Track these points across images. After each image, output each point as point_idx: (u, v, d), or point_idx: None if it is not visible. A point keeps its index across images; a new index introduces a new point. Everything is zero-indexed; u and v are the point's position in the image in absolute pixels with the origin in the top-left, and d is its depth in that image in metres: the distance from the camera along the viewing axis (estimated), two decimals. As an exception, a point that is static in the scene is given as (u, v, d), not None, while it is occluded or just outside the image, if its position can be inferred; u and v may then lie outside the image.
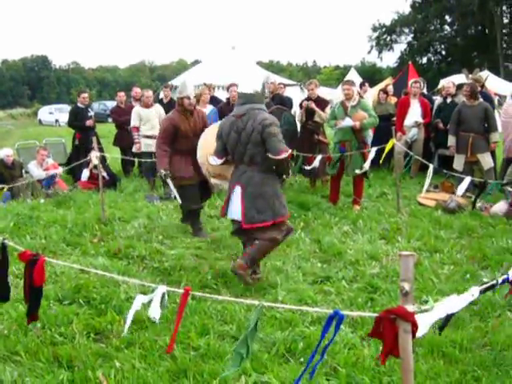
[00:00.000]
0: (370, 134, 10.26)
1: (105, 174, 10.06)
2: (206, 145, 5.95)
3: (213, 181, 6.20)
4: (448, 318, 2.97)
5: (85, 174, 10.33)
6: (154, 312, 2.86)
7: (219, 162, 5.38)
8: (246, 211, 5.10)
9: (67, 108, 39.18)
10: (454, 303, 2.62)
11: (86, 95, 11.58)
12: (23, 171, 10.15)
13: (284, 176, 5.49)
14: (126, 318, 3.06)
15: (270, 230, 5.15)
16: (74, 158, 10.81)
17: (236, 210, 5.20)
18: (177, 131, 6.83)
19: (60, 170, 10.32)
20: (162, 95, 12.03)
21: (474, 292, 2.72)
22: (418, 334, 2.28)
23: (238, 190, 5.17)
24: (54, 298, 4.86)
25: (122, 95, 12.15)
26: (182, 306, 2.69)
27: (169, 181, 6.85)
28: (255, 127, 4.99)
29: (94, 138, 8.28)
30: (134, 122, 10.22)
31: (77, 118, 11.19)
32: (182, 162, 6.87)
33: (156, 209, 8.50)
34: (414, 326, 2.20)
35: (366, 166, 8.21)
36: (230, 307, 4.60)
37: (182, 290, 2.73)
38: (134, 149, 10.42)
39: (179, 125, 6.84)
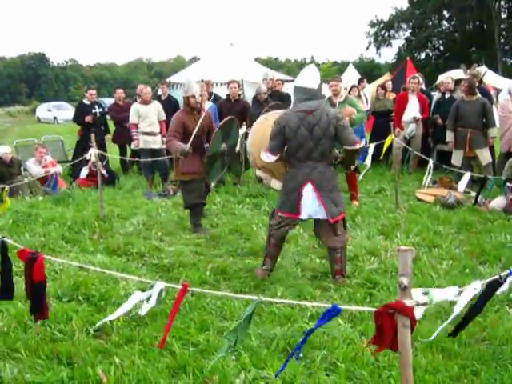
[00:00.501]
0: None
1: (104, 171, 10.07)
2: (258, 138, 5.79)
3: (258, 172, 6.00)
4: (462, 325, 2.98)
5: (83, 172, 10.32)
6: (145, 307, 2.87)
7: (274, 158, 5.21)
8: (328, 207, 5.13)
9: (66, 105, 39.28)
10: (454, 295, 2.63)
11: (93, 92, 11.59)
12: (22, 169, 10.15)
13: (351, 167, 5.53)
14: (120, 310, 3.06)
15: (339, 227, 5.28)
16: (77, 154, 10.82)
17: (313, 208, 5.16)
18: (185, 130, 6.87)
19: (60, 169, 10.30)
20: (160, 92, 12.00)
21: (475, 285, 2.73)
22: (416, 316, 2.28)
23: (309, 187, 5.11)
24: (54, 295, 4.86)
25: (120, 92, 12.13)
26: (178, 301, 2.69)
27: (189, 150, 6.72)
28: (330, 121, 5.04)
29: (93, 135, 8.25)
30: (132, 119, 10.21)
31: (81, 114, 11.20)
32: (189, 159, 6.83)
33: (155, 206, 8.50)
34: (413, 321, 2.21)
35: (368, 162, 8.21)
36: (229, 303, 4.61)
37: (180, 286, 2.74)
38: (133, 145, 10.42)
39: (187, 124, 6.90)
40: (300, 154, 5.09)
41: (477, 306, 2.88)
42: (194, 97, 6.97)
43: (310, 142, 5.04)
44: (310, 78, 5.17)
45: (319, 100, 5.20)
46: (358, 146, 5.24)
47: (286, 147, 5.19)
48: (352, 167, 5.58)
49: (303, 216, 5.21)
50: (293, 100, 5.31)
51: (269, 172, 5.72)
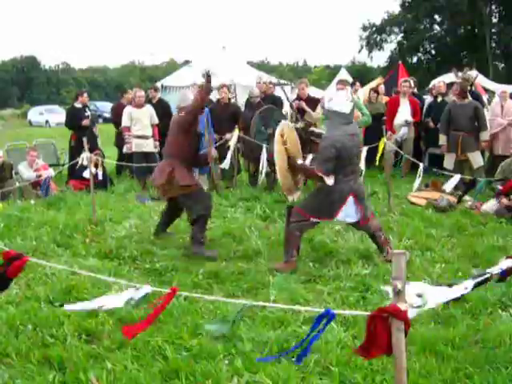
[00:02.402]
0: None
1: (100, 173, 10.05)
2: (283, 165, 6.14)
3: (289, 197, 6.47)
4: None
5: (88, 172, 10.28)
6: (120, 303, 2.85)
7: (333, 180, 5.62)
8: (365, 212, 5.83)
9: (57, 109, 39.14)
10: (445, 293, 2.63)
11: (86, 96, 11.56)
12: (13, 172, 10.09)
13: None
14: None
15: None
16: (71, 158, 10.77)
17: (351, 215, 5.77)
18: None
19: (52, 172, 10.25)
20: (150, 96, 11.96)
21: (467, 285, 2.73)
22: (409, 315, 2.28)
23: (351, 199, 5.69)
24: (45, 299, 4.83)
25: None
26: (164, 303, 2.67)
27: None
28: (359, 141, 6.10)
29: (85, 139, 8.22)
30: (124, 122, 10.18)
31: (74, 118, 11.14)
32: (186, 170, 6.47)
33: (147, 209, 8.47)
34: (407, 325, 2.21)
35: (361, 166, 8.22)
36: (222, 307, 4.59)
37: (168, 290, 2.72)
38: (125, 149, 10.38)
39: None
40: (349, 170, 5.66)
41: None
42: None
43: (355, 159, 5.76)
44: (345, 104, 5.62)
45: (356, 123, 6.14)
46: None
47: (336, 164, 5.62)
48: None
49: (342, 219, 5.88)
50: (330, 123, 5.71)
51: (293, 192, 6.36)
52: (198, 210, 6.35)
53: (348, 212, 5.74)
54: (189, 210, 6.47)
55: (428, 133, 10.86)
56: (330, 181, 5.60)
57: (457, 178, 7.77)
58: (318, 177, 5.68)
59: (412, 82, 11.64)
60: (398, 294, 2.20)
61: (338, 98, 5.69)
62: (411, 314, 2.38)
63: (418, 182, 8.09)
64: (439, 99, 10.84)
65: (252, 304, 2.65)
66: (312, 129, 9.59)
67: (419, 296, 2.38)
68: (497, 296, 4.71)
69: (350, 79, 16.11)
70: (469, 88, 10.10)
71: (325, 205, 5.72)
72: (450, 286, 2.80)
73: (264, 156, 8.94)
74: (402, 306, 2.19)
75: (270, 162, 9.22)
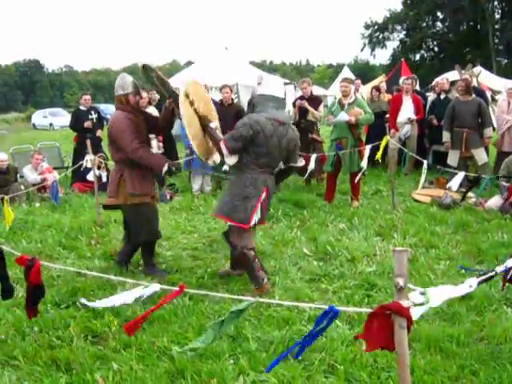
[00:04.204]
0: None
1: (104, 174, 10.07)
2: (196, 130, 5.35)
3: (208, 162, 5.64)
4: None
5: (91, 175, 10.31)
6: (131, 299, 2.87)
7: (234, 160, 5.05)
8: (266, 213, 5.25)
9: (61, 112, 39.23)
10: (450, 292, 2.62)
11: (88, 97, 11.56)
12: (18, 176, 10.13)
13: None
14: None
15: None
16: (75, 161, 10.80)
17: (259, 215, 5.08)
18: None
19: (56, 175, 10.28)
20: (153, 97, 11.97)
21: (471, 283, 2.73)
22: (414, 316, 2.29)
23: (264, 195, 5.07)
24: (51, 301, 4.86)
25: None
26: (169, 297, 2.70)
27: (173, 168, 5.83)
28: (294, 137, 5.16)
29: (88, 141, 8.26)
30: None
31: (78, 121, 11.18)
32: (142, 175, 5.56)
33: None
34: (409, 321, 2.21)
35: (364, 164, 8.24)
36: (227, 307, 4.60)
37: (176, 288, 2.74)
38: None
39: (137, 124, 5.58)
40: (263, 161, 5.03)
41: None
42: (136, 94, 5.64)
43: (276, 151, 5.03)
44: (277, 88, 5.18)
45: (285, 112, 5.27)
46: (301, 164, 5.50)
47: (250, 151, 5.01)
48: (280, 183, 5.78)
49: (254, 223, 5.08)
50: (260, 107, 5.11)
51: (210, 152, 5.54)
52: (143, 236, 5.66)
53: (259, 212, 5.05)
54: (133, 230, 5.73)
55: (432, 130, 10.83)
56: (230, 160, 5.00)
57: (461, 175, 7.75)
58: (220, 150, 5.06)
59: (414, 79, 11.62)
60: (400, 290, 2.21)
61: (269, 82, 5.29)
62: (417, 313, 2.38)
63: (423, 179, 8.09)
64: (442, 96, 10.82)
65: (258, 300, 2.66)
66: (314, 137, 9.61)
67: (422, 294, 2.39)
68: (502, 293, 4.70)
69: (353, 77, 16.14)
70: (472, 85, 10.10)
71: (241, 200, 5.01)
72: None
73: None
74: (404, 303, 2.20)
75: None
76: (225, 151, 4.99)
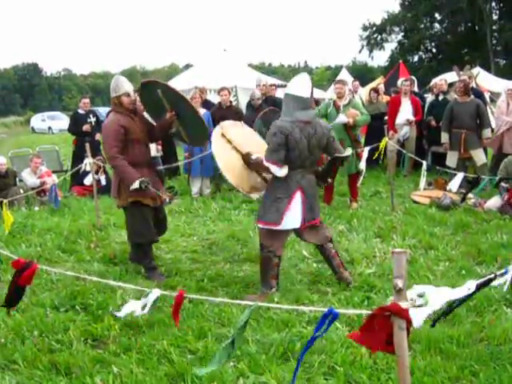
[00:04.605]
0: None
1: (103, 178, 10.07)
2: (230, 164, 5.55)
3: (251, 196, 5.79)
4: (445, 313, 2.96)
5: (88, 179, 10.32)
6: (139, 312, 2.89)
7: (285, 171, 4.97)
8: (307, 214, 5.12)
9: (60, 115, 39.25)
10: (449, 296, 2.62)
11: (86, 101, 11.57)
12: (17, 179, 10.13)
13: (329, 180, 5.63)
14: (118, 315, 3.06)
15: (319, 227, 5.32)
16: (74, 165, 10.80)
17: (296, 218, 5.07)
18: (126, 134, 5.59)
19: (55, 179, 10.28)
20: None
21: (470, 285, 2.72)
22: (415, 324, 2.29)
23: (298, 195, 5.04)
24: (51, 305, 4.85)
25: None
26: (176, 308, 2.70)
27: (151, 188, 5.56)
28: (324, 132, 5.12)
29: (87, 145, 8.26)
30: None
31: (77, 124, 11.18)
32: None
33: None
34: (409, 323, 2.21)
35: (362, 166, 8.24)
36: (226, 310, 4.61)
37: (176, 293, 2.74)
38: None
39: (128, 126, 5.61)
40: (294, 163, 5.00)
41: (461, 299, 2.85)
42: (128, 95, 5.70)
43: (307, 151, 5.01)
44: (303, 87, 5.06)
45: (312, 110, 5.22)
46: (348, 153, 5.38)
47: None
48: (329, 180, 5.64)
49: (286, 227, 5.07)
50: (285, 108, 5.09)
51: (257, 190, 5.62)
52: (134, 238, 5.82)
53: (294, 214, 5.05)
54: (127, 230, 5.94)
55: (430, 131, 10.83)
56: (280, 171, 4.95)
57: (460, 176, 7.77)
58: (266, 168, 5.04)
59: (412, 81, 11.65)
60: (399, 292, 2.21)
61: (295, 82, 5.17)
62: (420, 317, 2.38)
63: (423, 180, 8.10)
64: (441, 97, 10.83)
65: (257, 304, 2.66)
66: None
67: (420, 296, 2.39)
68: (501, 293, 4.70)
69: (351, 79, 16.14)
70: (470, 86, 10.10)
71: (272, 202, 5.06)
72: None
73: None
74: (403, 305, 2.20)
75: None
76: (272, 167, 4.96)
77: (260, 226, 5.17)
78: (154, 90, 5.75)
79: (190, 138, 6.25)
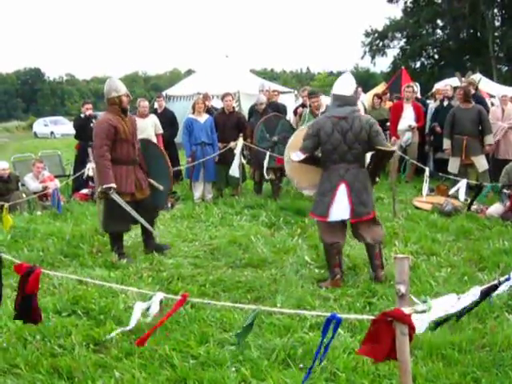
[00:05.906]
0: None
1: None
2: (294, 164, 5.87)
3: (305, 192, 6.35)
4: (446, 319, 2.97)
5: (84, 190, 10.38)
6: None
7: (302, 157, 5.43)
8: (355, 207, 5.37)
9: (62, 120, 39.34)
10: (453, 302, 2.62)
11: (89, 106, 11.60)
12: (19, 184, 10.14)
13: (377, 177, 5.85)
14: (127, 327, 3.08)
15: (373, 223, 5.58)
16: (76, 169, 10.82)
17: (342, 210, 5.39)
18: (116, 134, 6.06)
19: (58, 184, 10.28)
20: (156, 105, 12.01)
21: (474, 292, 2.73)
22: (418, 330, 2.29)
23: (342, 187, 5.36)
24: (53, 309, 4.85)
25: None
26: (174, 308, 2.70)
27: (115, 196, 6.10)
28: (363, 127, 5.33)
29: (90, 150, 8.27)
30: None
31: (80, 129, 11.20)
32: (123, 174, 6.21)
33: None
34: (411, 328, 2.22)
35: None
36: (228, 315, 4.61)
37: (179, 297, 2.75)
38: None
39: (119, 127, 6.08)
40: (335, 157, 5.35)
41: (465, 308, 2.86)
42: (127, 95, 6.26)
43: (343, 145, 5.31)
44: (344, 86, 5.47)
45: (352, 106, 5.47)
46: (393, 148, 5.81)
47: (320, 151, 5.47)
48: (377, 179, 5.87)
49: (333, 218, 5.41)
50: (329, 105, 5.70)
51: (311, 186, 5.90)
52: (111, 226, 6.51)
53: (338, 206, 5.37)
54: (102, 217, 6.61)
55: (435, 137, 10.80)
56: (295, 156, 5.48)
57: (464, 183, 7.77)
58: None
59: (415, 87, 11.66)
60: (402, 297, 2.21)
61: (338, 82, 5.57)
62: (422, 326, 2.38)
63: (426, 187, 8.10)
64: (445, 103, 10.81)
65: (260, 308, 2.67)
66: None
67: (423, 302, 2.39)
68: (503, 299, 4.70)
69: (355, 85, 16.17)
70: (473, 92, 10.11)
71: (320, 196, 5.50)
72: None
73: (266, 163, 8.98)
74: (405, 310, 2.20)
75: (275, 169, 9.26)
76: (295, 152, 5.47)
77: (311, 217, 5.83)
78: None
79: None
